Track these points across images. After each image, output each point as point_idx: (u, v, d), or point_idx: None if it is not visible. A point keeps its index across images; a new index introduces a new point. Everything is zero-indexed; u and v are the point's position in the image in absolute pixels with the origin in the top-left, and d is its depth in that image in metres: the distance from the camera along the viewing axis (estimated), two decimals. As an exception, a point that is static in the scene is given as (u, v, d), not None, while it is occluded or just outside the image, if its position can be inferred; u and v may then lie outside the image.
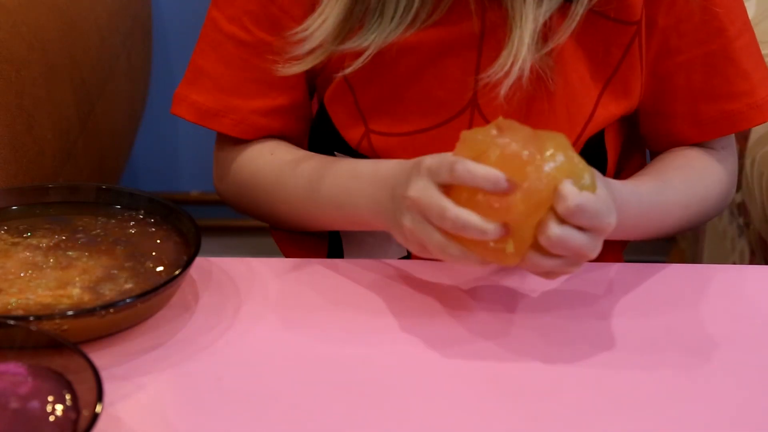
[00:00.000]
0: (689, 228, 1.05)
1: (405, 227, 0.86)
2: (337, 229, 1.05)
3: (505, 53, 0.93)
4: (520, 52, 0.92)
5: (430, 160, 0.84)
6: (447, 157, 0.83)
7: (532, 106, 0.99)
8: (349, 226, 1.00)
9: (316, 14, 0.96)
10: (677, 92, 1.03)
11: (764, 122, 1.03)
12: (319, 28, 0.95)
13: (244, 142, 1.05)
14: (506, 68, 0.93)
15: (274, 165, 1.02)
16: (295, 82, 1.03)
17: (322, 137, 1.07)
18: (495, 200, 0.81)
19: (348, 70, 0.98)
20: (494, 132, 0.83)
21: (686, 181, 1.02)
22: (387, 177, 0.91)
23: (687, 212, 1.01)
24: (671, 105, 1.03)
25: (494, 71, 0.94)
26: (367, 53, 0.96)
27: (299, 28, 0.97)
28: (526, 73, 0.93)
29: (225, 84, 1.02)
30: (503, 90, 0.94)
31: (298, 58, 0.98)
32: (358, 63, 0.96)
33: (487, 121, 1.00)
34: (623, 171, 1.11)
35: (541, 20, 0.93)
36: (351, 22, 0.96)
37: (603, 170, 1.05)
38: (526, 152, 0.81)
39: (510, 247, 0.81)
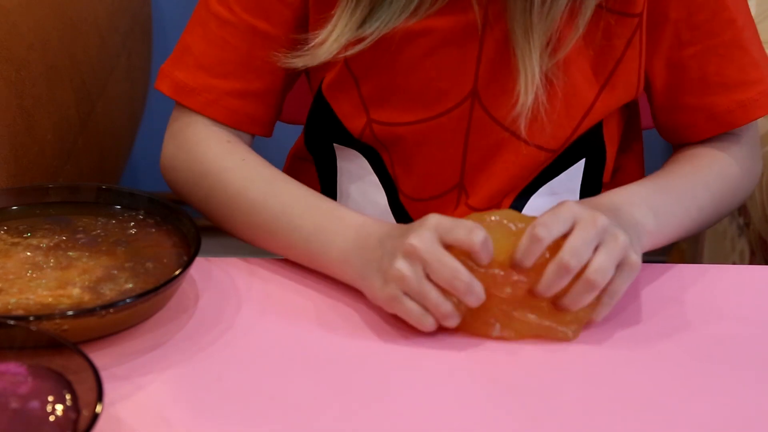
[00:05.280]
0: (716, 214, 1.03)
1: (395, 272, 0.85)
2: (287, 257, 0.99)
3: (521, 83, 0.96)
4: (532, 84, 0.95)
5: (438, 219, 0.87)
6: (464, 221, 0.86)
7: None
8: (304, 259, 0.96)
9: (329, 28, 0.96)
10: (691, 84, 1.03)
11: None
12: (333, 42, 0.96)
13: (209, 126, 1.03)
14: (525, 101, 0.95)
15: (246, 172, 0.99)
16: (273, 68, 1.03)
17: (321, 128, 1.07)
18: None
19: (349, 53, 0.98)
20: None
21: (691, 170, 1.02)
22: (374, 229, 0.91)
23: (708, 193, 1.00)
24: (686, 98, 1.04)
25: (521, 105, 0.96)
26: (369, 39, 0.96)
27: (325, 31, 0.97)
28: (541, 91, 0.96)
29: (205, 62, 1.02)
30: (522, 125, 0.97)
31: (307, 51, 0.98)
32: (359, 47, 0.97)
33: (487, 113, 1.00)
34: (622, 164, 1.11)
35: (551, 29, 0.95)
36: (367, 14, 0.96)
37: (602, 162, 1.06)
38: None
39: (496, 331, 0.87)
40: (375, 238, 0.90)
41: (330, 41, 0.96)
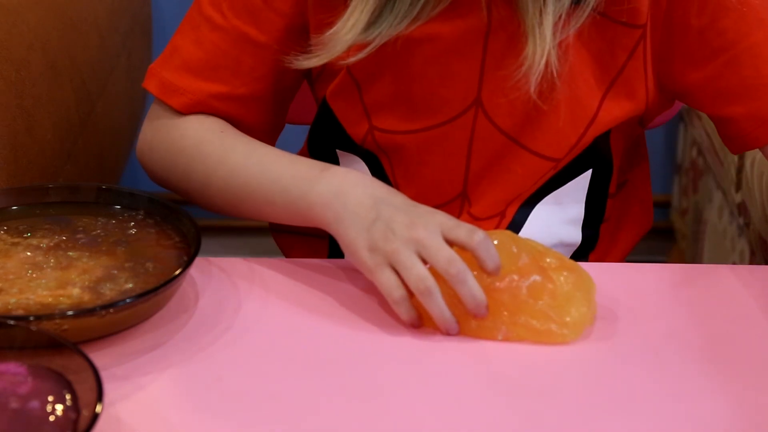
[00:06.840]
0: None
1: (391, 248, 0.87)
2: (267, 218, 1.01)
3: (530, 46, 0.94)
4: (545, 43, 0.93)
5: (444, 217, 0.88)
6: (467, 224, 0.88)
7: (536, 106, 0.99)
8: (282, 213, 0.97)
9: (344, 18, 0.96)
10: (732, 92, 1.00)
11: None
12: (349, 31, 0.95)
13: (187, 114, 1.04)
14: (536, 63, 0.94)
15: (225, 142, 1.01)
16: (262, 76, 1.03)
17: (324, 134, 1.07)
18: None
19: (351, 60, 0.98)
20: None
21: None
22: (362, 181, 0.92)
23: None
24: (728, 107, 1.00)
25: (526, 66, 0.94)
26: (372, 45, 0.96)
27: (330, 32, 0.96)
28: (554, 62, 0.94)
29: (193, 64, 1.02)
30: (533, 86, 0.95)
31: (312, 52, 0.98)
32: (362, 54, 0.96)
33: (491, 122, 1.00)
34: (629, 180, 1.11)
35: (560, 12, 0.94)
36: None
37: (609, 173, 1.05)
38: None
39: (500, 336, 0.87)
40: (366, 192, 0.91)
41: (345, 29, 0.95)
